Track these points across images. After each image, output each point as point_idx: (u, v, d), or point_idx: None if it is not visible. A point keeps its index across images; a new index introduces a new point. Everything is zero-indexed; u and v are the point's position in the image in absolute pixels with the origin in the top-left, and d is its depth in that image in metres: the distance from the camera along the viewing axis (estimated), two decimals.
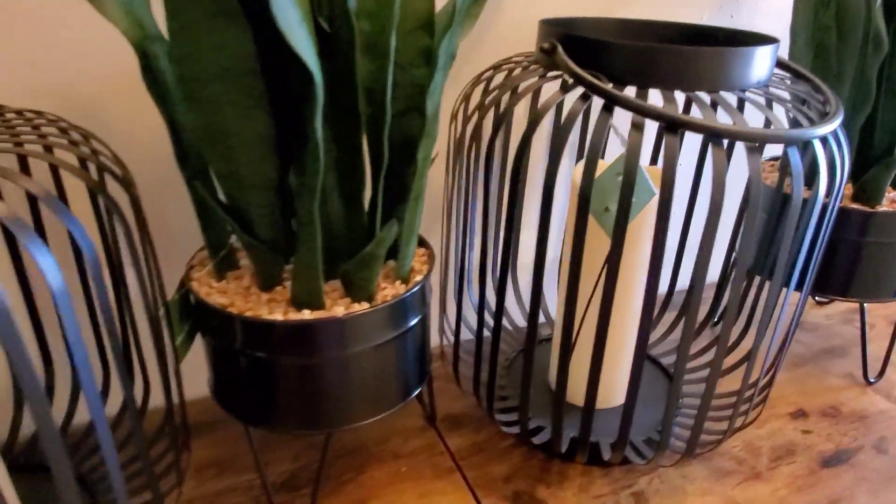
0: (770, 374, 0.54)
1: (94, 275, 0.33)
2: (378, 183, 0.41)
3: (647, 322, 0.44)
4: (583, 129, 0.65)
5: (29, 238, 0.29)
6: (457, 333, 0.57)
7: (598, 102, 0.42)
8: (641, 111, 0.40)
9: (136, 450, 0.47)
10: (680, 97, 0.45)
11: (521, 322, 0.72)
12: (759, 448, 0.59)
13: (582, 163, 0.55)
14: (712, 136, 0.39)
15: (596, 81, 0.41)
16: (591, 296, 0.52)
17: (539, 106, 0.44)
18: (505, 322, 0.69)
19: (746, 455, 0.58)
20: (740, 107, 0.58)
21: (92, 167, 0.44)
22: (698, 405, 0.47)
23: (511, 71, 0.49)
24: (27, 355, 0.25)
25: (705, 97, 0.43)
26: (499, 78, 0.50)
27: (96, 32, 0.48)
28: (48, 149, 0.35)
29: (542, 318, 0.70)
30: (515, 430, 0.55)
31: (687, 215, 0.66)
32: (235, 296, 0.45)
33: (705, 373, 0.63)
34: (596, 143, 0.41)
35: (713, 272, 0.68)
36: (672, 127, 0.40)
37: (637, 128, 0.40)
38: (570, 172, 0.70)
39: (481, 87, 0.51)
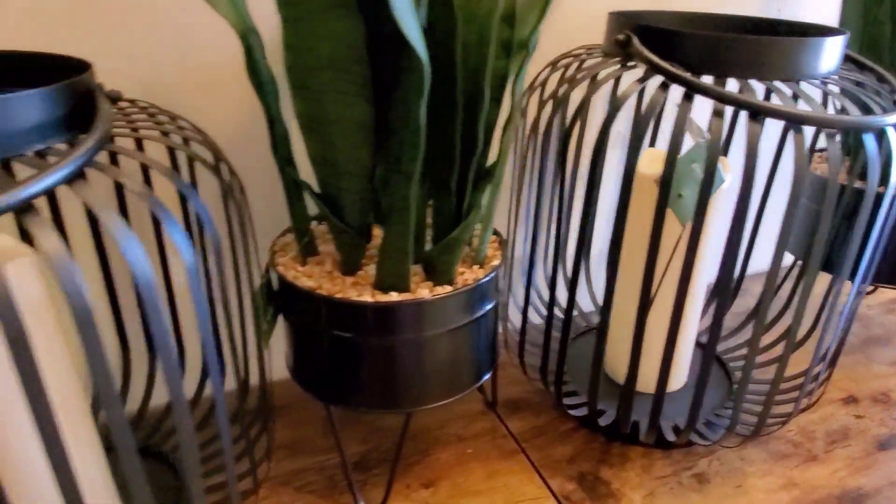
0: (831, 360, 0.55)
1: (216, 254, 0.35)
2: (468, 169, 0.42)
3: (722, 312, 0.45)
4: (637, 117, 0.66)
5: (167, 218, 0.31)
6: (524, 319, 0.58)
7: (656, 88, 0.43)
8: (724, 99, 0.41)
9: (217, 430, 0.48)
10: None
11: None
12: (813, 432, 0.61)
13: (648, 152, 0.56)
14: (795, 122, 0.41)
15: (677, 71, 0.43)
16: (661, 280, 0.54)
17: (618, 96, 0.45)
18: (558, 311, 0.71)
19: (802, 439, 0.60)
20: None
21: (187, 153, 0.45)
22: (758, 390, 0.48)
23: (582, 62, 0.50)
24: (104, 352, 0.26)
25: (780, 86, 0.44)
26: (569, 69, 0.51)
27: (181, 26, 0.50)
28: (164, 134, 0.36)
29: (588, 306, 0.71)
30: (582, 412, 0.57)
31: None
32: (321, 279, 0.46)
33: (761, 359, 0.64)
34: (678, 132, 0.42)
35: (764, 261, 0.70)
36: (755, 114, 0.41)
37: (718, 115, 0.42)
38: (619, 161, 0.72)
39: (552, 77, 0.52)
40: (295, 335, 0.48)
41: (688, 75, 0.43)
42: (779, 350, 0.59)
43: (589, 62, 0.50)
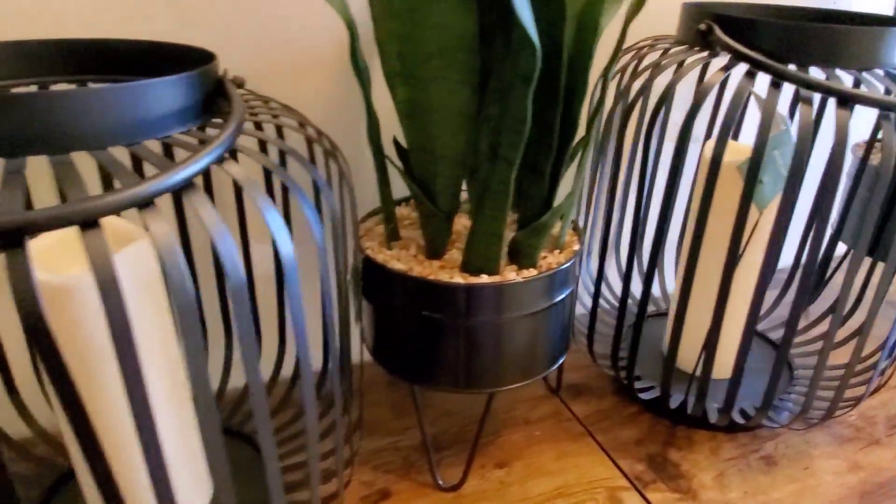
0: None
1: (339, 236, 0.36)
2: (563, 155, 0.43)
3: (803, 298, 0.47)
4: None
5: (301, 196, 0.32)
6: (594, 304, 0.59)
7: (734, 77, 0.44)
8: (814, 87, 0.42)
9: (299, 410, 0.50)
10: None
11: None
12: (873, 417, 0.62)
13: (712, 141, 0.57)
14: (885, 109, 0.42)
15: (764, 59, 0.44)
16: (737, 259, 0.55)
17: (703, 85, 0.46)
18: (610, 296, 0.72)
19: (863, 423, 0.61)
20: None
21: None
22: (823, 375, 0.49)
23: (666, 50, 0.51)
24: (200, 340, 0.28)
25: (866, 75, 0.45)
26: (647, 59, 0.52)
27: (273, 17, 0.51)
28: (275, 116, 0.38)
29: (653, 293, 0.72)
30: (651, 395, 0.58)
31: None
32: (410, 262, 0.48)
33: (817, 345, 0.65)
34: (766, 119, 0.43)
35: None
36: (844, 101, 0.42)
37: (807, 103, 0.43)
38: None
39: (628, 66, 0.53)
40: (380, 317, 0.50)
41: (775, 63, 0.44)
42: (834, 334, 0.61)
43: (673, 51, 0.51)
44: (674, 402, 0.58)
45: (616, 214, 0.61)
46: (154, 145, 0.29)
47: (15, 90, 0.39)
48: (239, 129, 0.32)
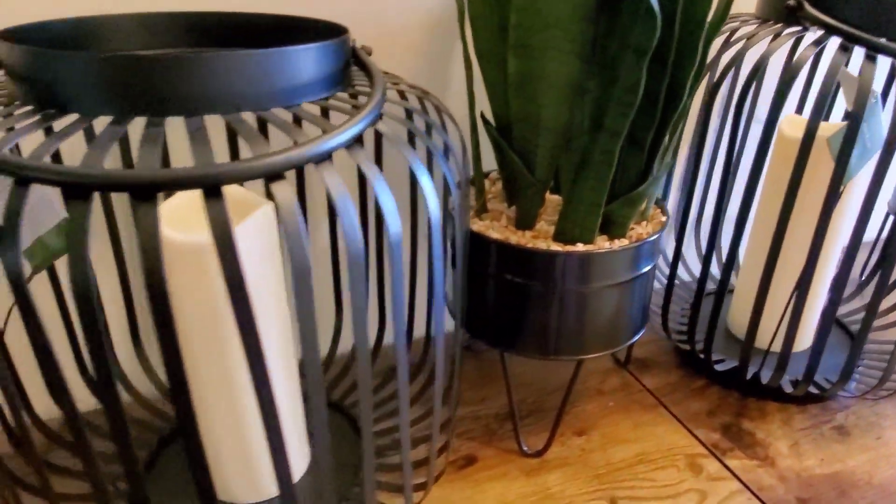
0: None
1: (461, 207, 0.37)
2: (665, 127, 0.44)
3: (886, 279, 0.48)
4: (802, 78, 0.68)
5: (444, 163, 0.34)
6: (671, 277, 0.60)
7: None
8: None
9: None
10: None
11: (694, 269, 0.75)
12: None
13: (788, 118, 0.58)
14: None
15: (859, 33, 0.45)
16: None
17: (795, 60, 0.47)
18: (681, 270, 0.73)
19: None
20: None
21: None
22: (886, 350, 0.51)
23: (761, 24, 0.52)
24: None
25: None
26: (741, 31, 0.53)
27: None
28: (402, 95, 0.39)
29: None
30: (726, 367, 0.59)
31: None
32: (504, 232, 0.49)
33: (883, 320, 0.66)
34: (863, 93, 0.44)
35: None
36: None
37: None
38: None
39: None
40: (474, 286, 0.51)
41: (870, 37, 0.45)
42: None
43: (764, 26, 0.51)
44: (750, 373, 0.59)
45: (699, 188, 0.62)
46: (284, 114, 0.30)
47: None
48: (384, 95, 0.33)
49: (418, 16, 0.55)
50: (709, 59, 0.54)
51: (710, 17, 0.40)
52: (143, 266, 0.24)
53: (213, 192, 0.25)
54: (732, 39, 0.53)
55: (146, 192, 0.24)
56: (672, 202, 0.67)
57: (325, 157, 0.28)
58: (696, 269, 0.76)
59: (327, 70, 0.33)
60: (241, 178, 0.26)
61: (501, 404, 0.60)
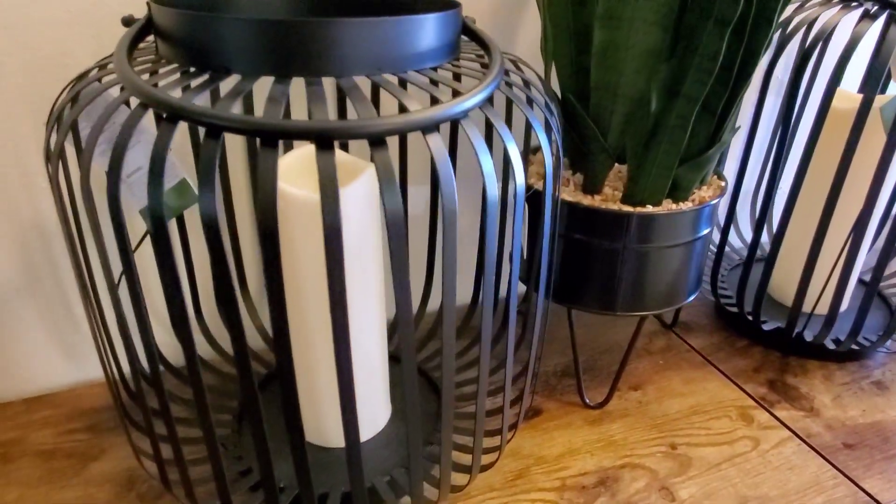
0: None
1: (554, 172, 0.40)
2: (738, 93, 0.47)
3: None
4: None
5: (542, 135, 0.37)
6: (722, 241, 0.64)
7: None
8: None
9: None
10: None
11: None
12: None
13: (839, 91, 0.61)
14: None
15: None
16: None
17: (853, 33, 0.50)
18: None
19: None
20: None
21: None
22: None
23: (802, 3, 0.55)
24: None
25: None
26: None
27: None
28: (515, 64, 0.42)
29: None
30: (772, 326, 0.63)
31: None
32: (575, 195, 0.52)
33: None
34: None
35: None
36: None
37: None
38: (773, 107, 0.77)
39: None
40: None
41: None
42: None
43: (811, 3, 0.55)
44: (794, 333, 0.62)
45: (753, 157, 0.65)
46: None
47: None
48: (503, 68, 0.36)
49: None
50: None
51: None
52: (258, 203, 0.27)
53: (378, 142, 0.28)
54: (785, 18, 0.56)
55: (324, 143, 0.27)
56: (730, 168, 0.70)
57: (464, 115, 0.31)
58: (735, 237, 0.79)
59: (450, 37, 0.35)
60: (395, 132, 0.29)
61: (557, 362, 0.63)
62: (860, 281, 0.73)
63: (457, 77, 0.35)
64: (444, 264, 0.32)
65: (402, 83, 0.48)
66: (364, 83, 0.54)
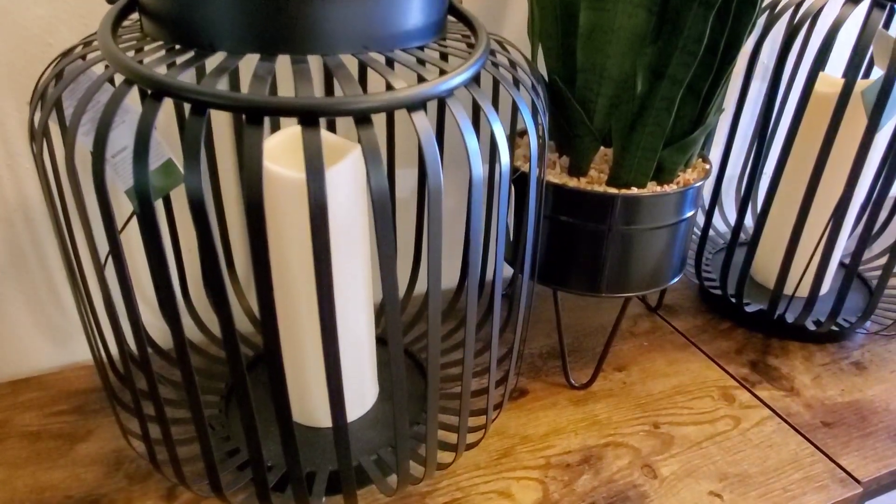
0: None
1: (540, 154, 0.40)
2: (722, 75, 0.48)
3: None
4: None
5: (528, 117, 0.37)
6: (706, 225, 0.64)
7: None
8: None
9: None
10: None
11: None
12: None
13: (821, 75, 0.62)
14: None
15: None
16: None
17: (835, 18, 0.50)
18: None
19: None
20: None
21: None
22: None
23: None
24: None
25: None
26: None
27: None
28: (501, 45, 0.42)
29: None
30: (754, 308, 0.64)
31: None
32: (561, 177, 0.52)
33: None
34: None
35: None
36: None
37: None
38: (759, 93, 0.77)
39: None
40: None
41: None
42: None
43: None
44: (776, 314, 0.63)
45: (738, 139, 0.66)
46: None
47: None
48: (489, 48, 0.36)
49: None
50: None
51: None
52: (244, 180, 0.27)
53: (363, 120, 0.28)
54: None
55: (308, 119, 0.27)
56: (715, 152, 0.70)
57: (449, 93, 0.31)
58: (720, 221, 0.80)
59: (436, 17, 0.35)
60: (382, 109, 0.29)
61: (542, 344, 0.64)
62: (842, 264, 0.74)
63: (443, 56, 0.35)
64: (429, 244, 0.32)
65: (389, 62, 0.48)
66: (351, 63, 0.54)
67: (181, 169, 0.43)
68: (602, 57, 0.47)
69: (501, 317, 0.57)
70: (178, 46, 0.32)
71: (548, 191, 0.51)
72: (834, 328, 0.63)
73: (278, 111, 0.28)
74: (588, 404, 0.57)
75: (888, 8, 0.49)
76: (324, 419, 0.50)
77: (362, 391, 0.51)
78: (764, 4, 0.57)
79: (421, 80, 0.31)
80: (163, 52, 0.33)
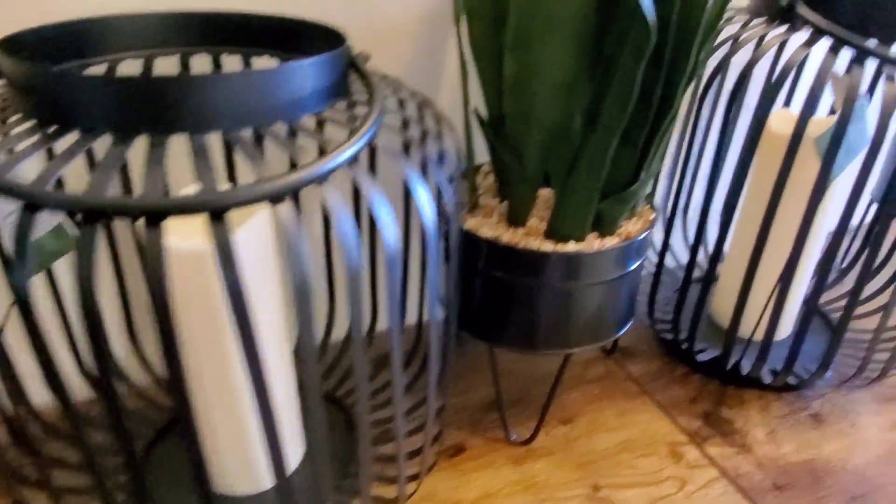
0: None
1: (454, 213, 0.37)
2: (659, 127, 0.45)
3: (867, 272, 0.49)
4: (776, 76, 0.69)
5: (416, 183, 0.34)
6: (658, 270, 0.62)
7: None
8: None
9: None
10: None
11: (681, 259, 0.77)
12: None
13: (778, 112, 0.59)
14: None
15: (848, 35, 0.45)
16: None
17: (785, 63, 0.47)
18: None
19: None
20: None
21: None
22: (864, 339, 0.53)
23: (746, 24, 0.52)
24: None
25: None
26: (728, 31, 0.53)
27: None
28: (402, 103, 0.39)
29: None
30: (708, 357, 0.61)
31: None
32: (497, 229, 0.49)
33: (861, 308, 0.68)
34: (851, 96, 0.45)
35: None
36: None
37: (890, 79, 0.44)
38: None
39: None
40: (465, 281, 0.51)
41: (858, 39, 0.45)
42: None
43: (752, 24, 0.52)
44: (730, 363, 0.60)
45: (688, 180, 0.63)
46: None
47: (165, 73, 0.41)
48: (382, 108, 0.33)
49: (415, 9, 0.54)
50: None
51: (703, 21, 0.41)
52: (148, 286, 0.25)
53: (216, 215, 0.25)
54: (724, 39, 0.53)
55: (154, 219, 0.24)
56: (662, 190, 0.67)
57: (324, 178, 0.28)
58: (683, 257, 0.77)
59: (326, 82, 0.32)
60: (243, 203, 0.26)
61: (486, 394, 0.61)
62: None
63: (352, 116, 0.32)
64: (352, 325, 0.30)
65: (260, 139, 0.45)
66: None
67: (71, 232, 0.40)
68: (530, 103, 0.44)
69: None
70: (34, 122, 0.29)
71: (480, 245, 0.49)
72: (791, 381, 0.60)
73: (117, 211, 0.25)
74: (527, 462, 0.54)
75: (856, 51, 0.46)
76: (239, 486, 0.47)
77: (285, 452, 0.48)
78: (717, 42, 0.54)
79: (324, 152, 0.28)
80: (23, 128, 0.30)
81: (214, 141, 0.48)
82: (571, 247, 0.48)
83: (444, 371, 0.46)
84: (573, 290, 0.49)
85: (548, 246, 0.47)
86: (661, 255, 0.61)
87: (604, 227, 0.50)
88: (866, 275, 0.50)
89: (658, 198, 0.67)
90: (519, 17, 0.39)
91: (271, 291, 0.42)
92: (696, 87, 0.54)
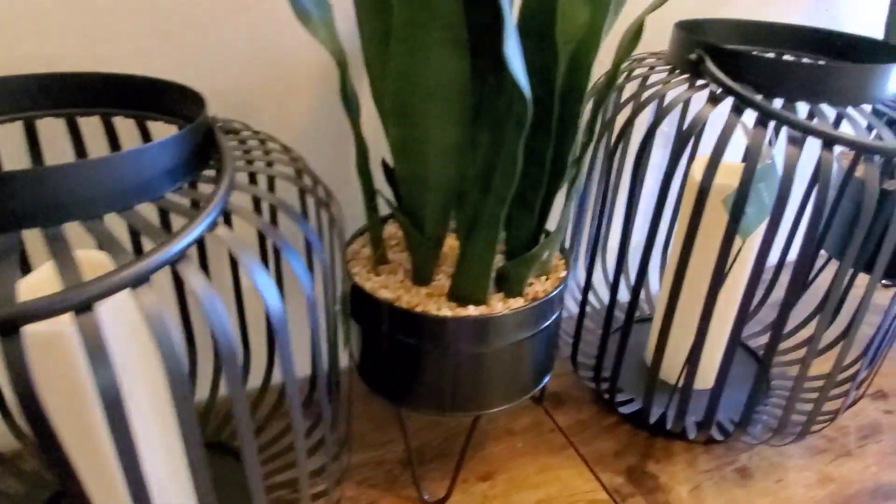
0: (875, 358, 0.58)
1: (329, 282, 0.36)
2: (555, 190, 0.43)
3: (785, 316, 0.48)
4: (685, 133, 0.68)
5: (290, 252, 0.32)
6: (579, 321, 0.60)
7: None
8: (798, 127, 0.43)
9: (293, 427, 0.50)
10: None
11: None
12: (846, 427, 0.64)
13: (702, 158, 0.58)
14: (865, 152, 0.42)
15: (751, 96, 0.44)
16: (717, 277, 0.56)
17: (692, 120, 0.46)
18: (594, 302, 0.73)
19: (835, 434, 0.63)
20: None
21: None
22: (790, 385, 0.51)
23: (646, 79, 0.51)
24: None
25: (852, 112, 0.46)
26: (634, 84, 0.52)
27: (255, 38, 0.50)
28: (270, 164, 0.37)
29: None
30: (632, 408, 0.59)
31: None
32: (398, 290, 0.48)
33: (795, 354, 0.67)
34: (753, 156, 0.44)
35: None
36: (829, 143, 0.42)
37: (795, 143, 0.43)
38: (660, 164, 0.73)
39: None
40: (368, 340, 0.50)
41: (762, 101, 0.44)
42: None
43: (655, 78, 0.51)
44: (654, 417, 0.59)
45: (602, 234, 0.62)
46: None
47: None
48: (230, 188, 0.32)
49: (310, 60, 0.53)
50: (609, 115, 0.53)
51: (591, 87, 0.39)
52: (17, 396, 0.23)
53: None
54: (630, 97, 0.52)
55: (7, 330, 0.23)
56: (587, 239, 0.66)
57: (144, 279, 0.27)
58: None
59: (169, 164, 0.31)
60: (48, 314, 0.24)
61: (402, 449, 0.59)
62: (744, 347, 0.70)
63: (197, 201, 0.31)
64: (233, 405, 0.29)
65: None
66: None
67: None
68: (421, 167, 0.42)
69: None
70: None
71: (381, 307, 0.47)
72: (718, 437, 0.58)
73: None
74: None
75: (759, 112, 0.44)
76: None
77: None
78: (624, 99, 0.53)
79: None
80: None
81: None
82: (472, 311, 0.46)
83: (335, 424, 0.45)
84: (480, 353, 0.47)
85: (447, 310, 0.46)
86: (582, 306, 0.59)
87: (511, 287, 0.48)
88: (782, 323, 0.48)
89: (583, 247, 0.66)
90: (397, 84, 0.38)
91: (145, 361, 0.41)
92: (608, 143, 0.53)
